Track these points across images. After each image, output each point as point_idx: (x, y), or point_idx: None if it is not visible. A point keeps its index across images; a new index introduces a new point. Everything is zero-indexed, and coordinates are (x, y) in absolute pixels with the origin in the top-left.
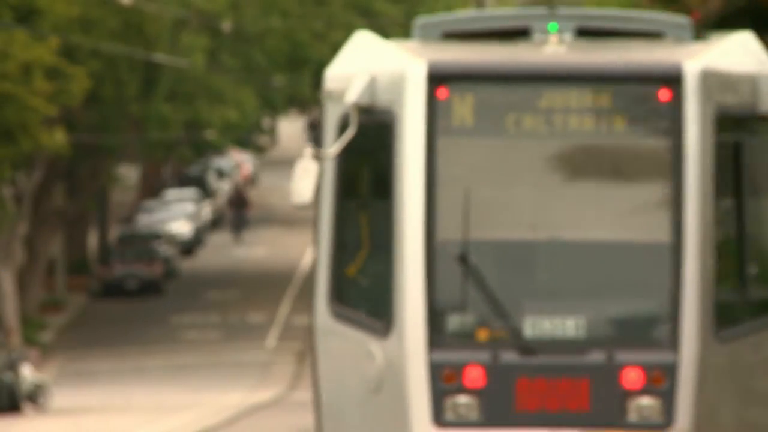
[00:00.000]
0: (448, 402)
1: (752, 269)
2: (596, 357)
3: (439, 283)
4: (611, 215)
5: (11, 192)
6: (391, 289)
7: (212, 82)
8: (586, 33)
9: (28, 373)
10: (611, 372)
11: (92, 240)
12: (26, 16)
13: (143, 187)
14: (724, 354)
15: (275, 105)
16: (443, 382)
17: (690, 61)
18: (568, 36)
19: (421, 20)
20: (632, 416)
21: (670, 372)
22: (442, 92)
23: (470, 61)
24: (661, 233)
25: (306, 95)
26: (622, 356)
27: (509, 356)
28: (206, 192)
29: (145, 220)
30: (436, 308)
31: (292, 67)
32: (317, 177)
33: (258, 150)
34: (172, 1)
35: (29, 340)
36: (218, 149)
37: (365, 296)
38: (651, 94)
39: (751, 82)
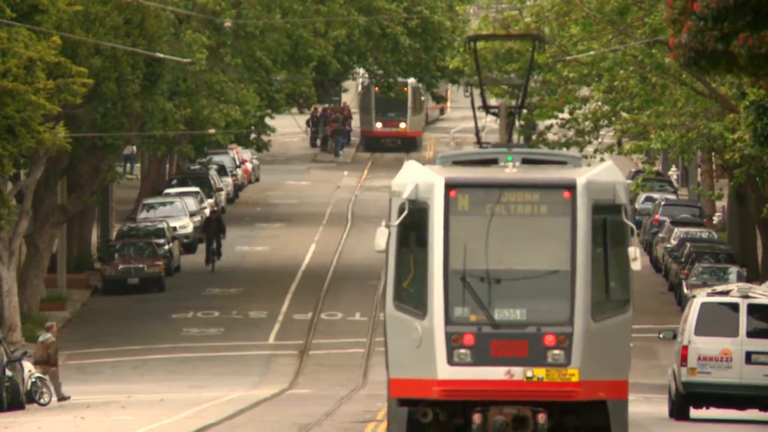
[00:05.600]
0: (455, 352)
1: (611, 285)
2: (531, 329)
3: (450, 292)
4: (539, 255)
5: (13, 188)
6: (426, 294)
7: (214, 79)
8: (528, 161)
9: (29, 369)
10: (539, 337)
11: (94, 236)
12: (28, 14)
13: (145, 184)
14: (597, 328)
15: (276, 102)
16: (452, 342)
17: (580, 177)
18: (518, 163)
19: (440, 154)
20: (549, 360)
21: (569, 337)
22: (452, 193)
23: (466, 177)
24: (565, 265)
25: (307, 92)
26: (544, 329)
27: (486, 329)
28: (208, 189)
29: (147, 217)
30: (449, 304)
31: (293, 64)
32: (388, 236)
33: (260, 147)
34: None
35: (31, 337)
36: (220, 146)
37: (412, 298)
38: (560, 194)
39: (612, 186)
